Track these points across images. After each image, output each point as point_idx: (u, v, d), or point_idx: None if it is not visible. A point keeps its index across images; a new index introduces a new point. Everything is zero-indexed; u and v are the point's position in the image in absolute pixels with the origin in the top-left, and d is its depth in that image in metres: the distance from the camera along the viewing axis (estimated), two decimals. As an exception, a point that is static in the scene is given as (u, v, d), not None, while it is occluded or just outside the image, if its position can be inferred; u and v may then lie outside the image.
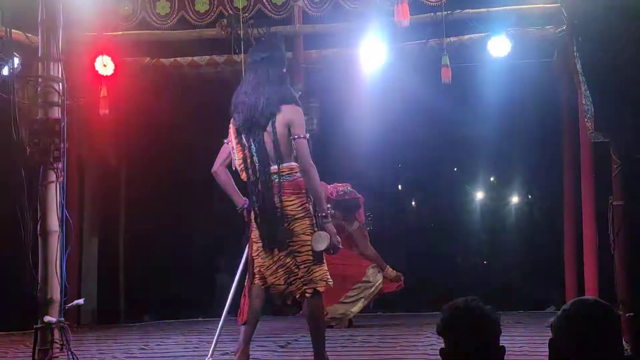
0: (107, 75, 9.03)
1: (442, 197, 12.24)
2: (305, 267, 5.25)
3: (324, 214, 5.24)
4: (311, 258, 5.24)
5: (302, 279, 5.26)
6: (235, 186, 5.60)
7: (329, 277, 5.31)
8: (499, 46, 8.65)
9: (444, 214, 12.13)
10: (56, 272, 5.27)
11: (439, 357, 2.87)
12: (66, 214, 5.54)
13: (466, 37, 9.09)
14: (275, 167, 5.30)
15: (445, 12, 8.68)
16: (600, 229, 7.41)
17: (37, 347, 5.15)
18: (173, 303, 10.10)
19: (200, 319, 9.55)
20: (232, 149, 5.54)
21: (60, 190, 5.38)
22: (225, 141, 5.67)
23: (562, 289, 8.82)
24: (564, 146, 8.95)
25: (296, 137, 5.33)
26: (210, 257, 11.00)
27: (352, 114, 9.76)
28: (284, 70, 5.57)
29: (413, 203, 13.21)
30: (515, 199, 12.56)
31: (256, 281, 5.41)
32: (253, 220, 5.38)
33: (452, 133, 11.02)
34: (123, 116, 9.33)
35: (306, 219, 5.26)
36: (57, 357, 5.18)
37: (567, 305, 2.68)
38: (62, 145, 5.36)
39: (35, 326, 5.19)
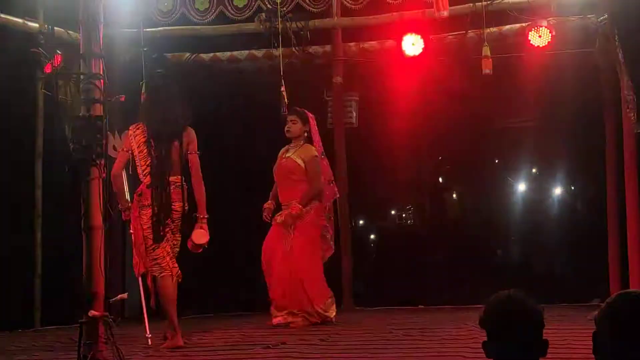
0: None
1: (483, 190, 12.17)
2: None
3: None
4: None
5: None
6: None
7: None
8: (539, 36, 8.56)
9: (485, 206, 12.05)
10: (100, 267, 5.33)
11: (481, 350, 2.85)
12: (109, 209, 5.60)
13: (506, 27, 9.01)
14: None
15: (485, 2, 8.62)
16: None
17: (82, 342, 5.21)
18: (216, 297, 10.16)
19: (241, 313, 9.60)
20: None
21: (102, 186, 5.44)
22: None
23: (606, 282, 8.71)
24: (606, 137, 8.83)
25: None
26: (251, 251, 11.04)
27: (391, 107, 9.73)
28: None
29: (454, 195, 13.15)
30: (557, 191, 12.43)
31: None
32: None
33: (493, 124, 10.94)
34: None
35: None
36: (102, 351, 5.24)
37: (611, 298, 2.65)
38: (104, 142, 5.42)
39: (80, 321, 5.26)
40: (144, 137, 6.61)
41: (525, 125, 10.64)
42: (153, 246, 6.53)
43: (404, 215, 14.66)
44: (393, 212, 14.33)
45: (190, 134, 6.80)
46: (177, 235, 6.71)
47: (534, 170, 12.73)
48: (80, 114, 5.54)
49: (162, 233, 6.54)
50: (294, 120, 7.75)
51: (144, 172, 6.58)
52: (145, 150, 6.61)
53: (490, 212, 11.89)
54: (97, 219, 5.39)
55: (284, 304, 7.52)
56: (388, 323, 7.63)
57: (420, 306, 9.37)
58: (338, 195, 8.12)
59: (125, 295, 6.24)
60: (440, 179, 12.59)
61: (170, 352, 6.35)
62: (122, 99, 7.66)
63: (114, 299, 5.75)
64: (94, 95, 5.56)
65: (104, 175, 5.47)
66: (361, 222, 13.33)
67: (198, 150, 6.83)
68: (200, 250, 6.85)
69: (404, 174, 11.57)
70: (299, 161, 7.63)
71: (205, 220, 6.73)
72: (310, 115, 7.87)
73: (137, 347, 6.48)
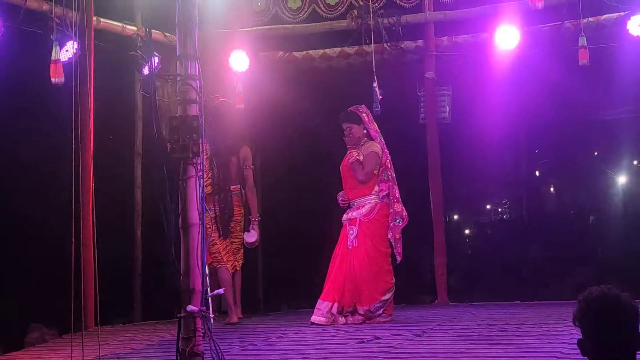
0: (242, 71, 9.26)
1: (582, 183, 11.93)
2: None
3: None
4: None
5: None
6: None
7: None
8: (639, 25, 8.33)
9: (585, 199, 11.82)
10: (197, 263, 5.44)
11: (577, 348, 2.82)
12: (205, 206, 5.71)
13: (604, 16, 8.80)
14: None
15: (581, -8, 8.44)
16: None
17: (180, 336, 5.33)
18: (310, 292, 10.25)
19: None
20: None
21: (198, 184, 5.55)
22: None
23: None
24: None
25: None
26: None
27: (485, 101, 9.63)
28: None
29: (552, 189, 12.93)
30: (658, 183, 12.08)
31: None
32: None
33: (591, 116, 10.72)
34: (258, 110, 9.54)
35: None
36: (199, 345, 5.35)
37: None
38: (200, 141, 5.53)
39: (178, 315, 5.38)
40: (207, 153, 7.50)
41: (624, 117, 10.37)
42: (213, 242, 7.73)
43: (499, 209, 14.49)
44: (489, 206, 14.18)
45: (246, 152, 8.10)
46: (237, 234, 8.05)
47: (635, 162, 12.40)
48: (177, 114, 5.67)
49: (222, 232, 7.90)
50: (349, 127, 7.61)
51: (206, 183, 7.43)
52: (207, 165, 7.56)
53: (590, 205, 11.66)
54: (194, 216, 5.50)
55: (341, 300, 7.46)
56: (483, 318, 7.57)
57: (516, 301, 9.25)
58: (405, 220, 7.65)
59: (221, 291, 6.38)
60: (537, 173, 12.39)
61: (265, 346, 6.45)
62: (218, 100, 7.88)
63: (211, 294, 5.87)
64: (189, 96, 5.67)
65: (200, 173, 5.58)
66: (456, 217, 13.24)
67: (252, 165, 8.18)
68: (255, 246, 8.20)
69: (499, 168, 11.42)
70: (360, 157, 7.54)
71: (256, 223, 8.06)
72: (360, 111, 7.69)
73: (233, 341, 6.61)
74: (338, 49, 9.73)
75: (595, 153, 12.36)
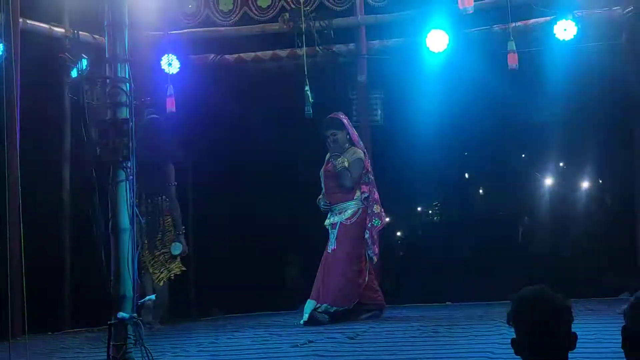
0: (173, 74, 9.17)
1: (510, 184, 12.12)
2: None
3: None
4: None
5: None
6: None
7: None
8: (565, 29, 8.51)
9: (513, 201, 12.01)
10: (128, 269, 5.36)
11: (509, 346, 2.84)
12: (136, 211, 5.63)
13: (532, 21, 8.96)
14: None
15: (510, -4, 8.58)
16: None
17: (111, 343, 5.25)
18: (242, 297, 10.21)
19: (269, 312, 9.63)
20: None
21: (129, 188, 5.47)
22: None
23: (635, 275, 8.64)
24: (634, 130, 8.75)
25: None
26: (278, 251, 11.09)
27: (416, 104, 9.72)
28: None
29: (480, 191, 13.11)
30: (585, 185, 12.35)
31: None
32: None
33: (520, 119, 10.90)
34: (190, 112, 9.45)
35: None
36: (131, 352, 5.27)
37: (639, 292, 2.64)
38: (130, 145, 5.45)
39: (109, 322, 5.29)
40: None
41: (551, 120, 10.58)
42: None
43: (430, 211, 14.64)
44: (419, 208, 14.31)
45: (171, 170, 8.11)
46: (166, 245, 8.05)
47: (561, 165, 12.65)
48: (107, 118, 5.58)
49: (148, 244, 7.92)
50: (334, 133, 7.75)
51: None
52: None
53: (518, 207, 11.85)
54: (125, 221, 5.42)
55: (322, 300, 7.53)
56: (416, 320, 7.62)
57: (447, 302, 9.34)
58: (383, 222, 7.86)
59: (152, 297, 6.28)
60: (467, 175, 12.56)
61: (198, 352, 6.39)
62: (148, 102, 7.78)
63: (142, 301, 5.78)
64: (120, 99, 5.59)
65: (130, 177, 5.50)
66: (387, 219, 13.31)
67: (175, 182, 8.14)
68: (178, 258, 8.15)
69: (430, 170, 11.54)
70: (345, 164, 7.67)
71: (182, 236, 8.09)
72: (341, 117, 7.84)
73: (165, 347, 6.52)
74: (270, 52, 9.71)
75: (523, 155, 12.57)
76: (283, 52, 9.63)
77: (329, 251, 7.64)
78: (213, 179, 10.41)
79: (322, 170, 7.89)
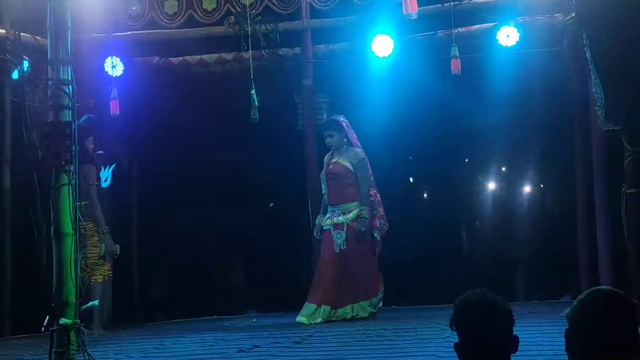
0: (116, 76, 9.07)
1: (454, 189, 12.20)
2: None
3: None
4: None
5: None
6: None
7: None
8: (507, 35, 8.63)
9: (456, 205, 12.09)
10: (71, 274, 5.28)
11: (453, 350, 2.86)
12: (79, 216, 5.55)
13: (475, 27, 9.07)
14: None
15: (454, 3, 8.67)
16: (614, 217, 7.38)
17: (53, 350, 5.16)
18: (187, 302, 10.13)
19: (214, 317, 9.58)
20: None
21: (72, 192, 5.39)
22: None
23: (576, 278, 8.79)
24: (575, 135, 8.91)
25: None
26: (224, 256, 11.02)
27: (361, 108, 9.75)
28: None
29: (425, 195, 13.18)
30: (527, 189, 12.50)
31: None
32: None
33: (463, 124, 10.98)
34: (134, 116, 9.35)
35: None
36: (73, 358, 5.19)
37: (583, 295, 2.68)
38: (73, 148, 5.37)
39: (51, 328, 5.21)
40: None
41: (494, 124, 10.70)
42: None
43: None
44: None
45: (88, 169, 7.77)
46: (89, 249, 7.85)
47: (503, 169, 12.79)
48: (49, 120, 5.49)
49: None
50: (331, 134, 8.15)
51: None
52: None
53: (461, 210, 11.94)
54: (67, 225, 5.34)
55: (327, 302, 7.80)
56: (361, 323, 7.65)
57: (393, 306, 9.39)
58: (386, 226, 8.27)
59: (96, 302, 6.20)
60: (411, 179, 12.62)
61: (142, 358, 6.32)
62: (92, 105, 7.68)
63: (85, 307, 5.70)
64: (62, 102, 5.51)
65: (73, 181, 5.42)
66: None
67: (95, 182, 7.98)
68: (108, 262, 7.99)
69: (374, 174, 11.59)
70: (348, 165, 8.03)
71: (105, 236, 7.95)
72: (340, 119, 8.21)
73: (108, 354, 6.44)
74: (215, 55, 9.65)
75: (467, 160, 12.68)
76: (228, 56, 9.58)
77: (337, 252, 7.86)
78: (158, 182, 10.31)
79: (323, 172, 8.24)
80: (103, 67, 9.09)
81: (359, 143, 8.22)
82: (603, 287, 2.74)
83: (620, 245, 6.53)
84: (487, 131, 11.11)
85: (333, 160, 8.13)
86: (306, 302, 7.95)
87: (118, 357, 6.35)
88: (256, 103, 8.57)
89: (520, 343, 2.81)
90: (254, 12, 9.13)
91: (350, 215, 7.92)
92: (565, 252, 9.51)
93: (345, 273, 7.86)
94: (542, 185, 12.34)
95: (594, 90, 6.07)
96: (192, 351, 6.54)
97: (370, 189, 8.14)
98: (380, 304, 8.10)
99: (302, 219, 9.63)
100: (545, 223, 11.29)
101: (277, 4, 9.27)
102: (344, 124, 8.16)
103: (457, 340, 2.86)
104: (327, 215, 8.09)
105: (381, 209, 8.12)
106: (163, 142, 10.22)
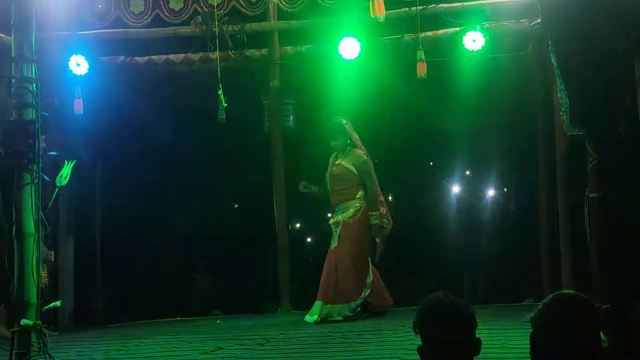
0: (81, 75, 8.99)
1: (419, 192, 12.27)
2: None
3: None
4: None
5: None
6: None
7: None
8: (473, 40, 8.68)
9: (421, 208, 12.16)
10: (32, 275, 5.23)
11: (417, 353, 2.87)
12: (42, 215, 5.50)
13: (441, 31, 9.10)
14: None
15: (420, 7, 8.70)
16: (576, 221, 7.45)
17: (14, 351, 5.11)
18: (150, 303, 10.07)
19: (178, 318, 9.52)
20: None
21: (35, 192, 5.33)
22: None
23: (539, 281, 8.86)
24: (539, 139, 8.98)
25: None
26: (189, 257, 10.98)
27: (328, 110, 9.75)
28: None
29: (390, 198, 13.22)
30: (491, 193, 12.61)
31: None
32: None
33: (428, 127, 11.05)
34: (98, 115, 9.27)
35: None
36: (34, 360, 5.14)
37: (547, 299, 2.70)
38: (36, 147, 5.32)
39: (12, 330, 5.15)
40: None
41: (460, 128, 10.77)
42: None
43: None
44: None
45: None
46: None
47: (467, 173, 12.88)
48: (12, 119, 5.43)
49: None
50: (335, 138, 8.23)
51: None
52: None
53: (425, 214, 12.00)
54: (29, 226, 5.28)
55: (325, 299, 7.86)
56: (326, 326, 7.64)
57: (357, 308, 9.39)
58: (389, 225, 8.26)
59: (58, 303, 6.13)
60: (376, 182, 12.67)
61: (105, 360, 6.28)
62: (55, 103, 7.59)
63: (46, 308, 5.64)
64: (25, 100, 5.45)
65: (36, 180, 5.36)
66: (298, 225, 13.34)
67: None
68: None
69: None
70: (352, 167, 8.10)
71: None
72: (343, 121, 8.25)
73: (71, 355, 6.38)
74: (182, 55, 9.59)
75: (431, 163, 12.75)
76: (195, 56, 9.53)
77: (332, 249, 8.00)
78: (122, 181, 10.24)
79: (327, 173, 8.32)
80: (67, 66, 9.00)
81: (362, 145, 8.30)
82: (568, 291, 2.76)
83: (582, 249, 6.58)
84: (452, 134, 11.19)
85: (337, 162, 8.24)
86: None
87: (80, 359, 6.29)
88: (223, 104, 8.54)
89: (482, 345, 2.83)
90: (221, 12, 9.09)
91: (348, 213, 8.01)
92: (528, 256, 9.60)
93: (334, 272, 7.93)
94: (505, 189, 12.45)
95: (559, 95, 6.11)
96: (155, 353, 6.50)
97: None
98: (359, 309, 7.98)
99: (268, 220, 9.61)
100: (508, 226, 11.40)
101: (244, 4, 9.24)
102: (347, 126, 8.24)
103: (420, 344, 2.87)
104: (332, 214, 8.32)
105: (384, 208, 8.16)
106: (128, 142, 10.15)
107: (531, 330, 2.69)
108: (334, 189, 8.20)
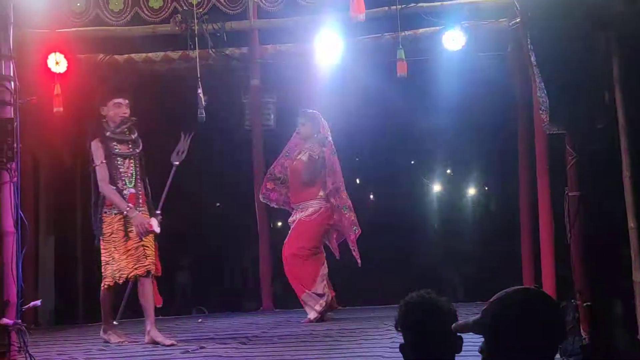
0: (60, 73, 8.93)
1: (400, 190, 12.29)
2: None
3: None
4: None
5: None
6: None
7: None
8: (453, 39, 8.70)
9: (402, 206, 12.18)
10: (12, 274, 5.20)
11: (399, 351, 2.88)
12: (21, 214, 5.47)
13: (421, 30, 9.13)
14: None
15: (400, 6, 8.71)
16: (557, 219, 7.49)
17: (-7, 350, 5.08)
18: (131, 302, 10.01)
19: (159, 317, 9.47)
20: None
21: (14, 190, 5.30)
22: None
23: (520, 279, 8.90)
24: (519, 138, 9.03)
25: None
26: (170, 255, 10.93)
27: (308, 109, 9.75)
28: None
29: (371, 196, 13.25)
30: (471, 191, 12.65)
31: None
32: None
33: (409, 126, 11.06)
34: (77, 114, 9.21)
35: None
36: (15, 359, 5.11)
37: (502, 293, 2.68)
38: (15, 145, 5.29)
39: (-9, 329, 5.12)
40: None
41: (440, 127, 10.80)
42: None
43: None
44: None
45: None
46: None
47: (448, 172, 12.92)
48: (-10, 117, 5.40)
49: None
50: (303, 123, 8.12)
51: None
52: None
53: (407, 212, 12.02)
54: (9, 224, 5.26)
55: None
56: (307, 325, 7.65)
57: (339, 307, 9.40)
58: (358, 231, 8.25)
59: (38, 303, 6.10)
60: (358, 180, 12.68)
61: (86, 359, 6.24)
62: (34, 102, 7.54)
63: (26, 306, 5.61)
64: (3, 98, 5.42)
65: (15, 179, 5.33)
66: (280, 224, 13.32)
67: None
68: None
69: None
70: (306, 160, 7.97)
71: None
72: (315, 111, 8.20)
73: (52, 355, 6.34)
74: (161, 54, 9.57)
75: (412, 162, 12.78)
76: (175, 54, 9.51)
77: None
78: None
79: (289, 168, 8.19)
80: (46, 64, 8.94)
81: (328, 136, 8.23)
82: (525, 287, 2.74)
83: (562, 247, 6.62)
84: (432, 133, 11.21)
85: (296, 157, 8.17)
86: None
87: (61, 358, 6.26)
88: (203, 102, 8.52)
89: (464, 343, 2.84)
90: (201, 10, 9.07)
91: (306, 212, 7.95)
92: (508, 253, 9.64)
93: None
94: (486, 188, 12.50)
95: (538, 94, 6.13)
96: (136, 352, 6.48)
97: (342, 191, 8.10)
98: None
99: (249, 219, 9.60)
100: (489, 224, 11.45)
101: (224, 3, 9.22)
102: (321, 119, 8.22)
103: (402, 342, 2.87)
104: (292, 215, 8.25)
105: (352, 215, 8.09)
106: (108, 141, 10.06)
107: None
108: (292, 187, 8.16)
